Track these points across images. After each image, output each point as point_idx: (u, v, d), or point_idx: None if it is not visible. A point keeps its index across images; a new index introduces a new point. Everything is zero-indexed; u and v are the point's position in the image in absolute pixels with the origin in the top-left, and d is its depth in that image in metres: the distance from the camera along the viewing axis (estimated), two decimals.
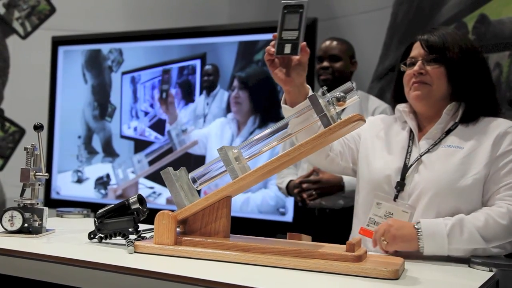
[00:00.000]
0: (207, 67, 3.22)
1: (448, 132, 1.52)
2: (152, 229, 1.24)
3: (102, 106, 3.60)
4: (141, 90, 3.45)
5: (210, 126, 3.21)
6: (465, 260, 1.30)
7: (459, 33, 1.57)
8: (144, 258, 1.14)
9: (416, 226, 1.37)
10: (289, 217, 2.98)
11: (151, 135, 3.41)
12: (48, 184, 3.68)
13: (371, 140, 1.64)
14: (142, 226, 1.32)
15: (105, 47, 3.59)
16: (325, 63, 2.62)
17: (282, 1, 1.34)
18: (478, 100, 1.52)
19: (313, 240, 1.30)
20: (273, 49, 1.36)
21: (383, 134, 1.63)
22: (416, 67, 1.52)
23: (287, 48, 1.31)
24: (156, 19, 3.94)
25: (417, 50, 1.55)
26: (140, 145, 3.45)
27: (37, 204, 1.36)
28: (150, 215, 1.27)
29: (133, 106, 3.49)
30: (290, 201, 2.96)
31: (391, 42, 3.12)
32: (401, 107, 1.61)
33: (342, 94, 1.18)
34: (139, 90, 3.46)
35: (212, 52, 3.22)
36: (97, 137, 3.60)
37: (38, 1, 4.10)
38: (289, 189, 2.61)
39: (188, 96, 3.29)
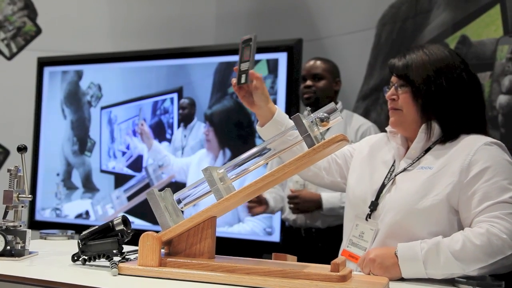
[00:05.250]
0: (184, 100, 3.26)
1: (427, 151, 1.54)
2: (137, 250, 1.23)
3: (82, 141, 3.60)
4: (118, 130, 3.48)
5: (192, 156, 3.24)
6: (450, 280, 1.31)
7: (430, 51, 1.55)
8: (128, 280, 1.13)
9: (396, 253, 1.35)
10: (276, 237, 2.98)
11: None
12: (32, 205, 3.64)
13: (360, 162, 1.67)
14: (126, 248, 1.31)
15: (83, 83, 3.62)
16: (308, 82, 2.66)
17: (241, 37, 1.53)
18: (452, 118, 1.51)
19: (300, 260, 1.30)
20: (235, 81, 1.53)
21: (373, 155, 1.66)
22: (388, 93, 1.57)
23: (243, 78, 1.50)
24: (142, 40, 3.96)
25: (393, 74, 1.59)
26: (121, 179, 3.45)
27: (20, 226, 1.34)
28: (135, 237, 1.26)
29: (110, 147, 3.50)
30: (277, 221, 2.96)
31: (375, 62, 3.16)
32: (389, 128, 1.64)
33: (325, 114, 1.19)
34: (115, 131, 3.48)
35: (188, 85, 3.26)
36: (76, 172, 3.59)
37: (24, 22, 4.10)
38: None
39: (165, 130, 3.32)
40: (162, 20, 4.11)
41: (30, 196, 1.37)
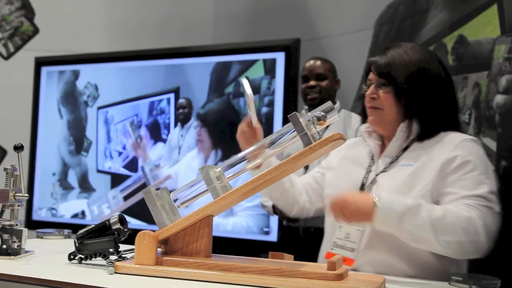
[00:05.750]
0: (181, 100, 3.26)
1: (405, 149, 1.55)
2: (133, 249, 1.23)
3: (78, 141, 3.59)
4: (114, 130, 3.47)
5: (180, 162, 3.24)
6: (446, 278, 1.31)
7: (409, 50, 1.57)
8: (125, 278, 1.13)
9: (375, 200, 1.35)
10: (273, 237, 2.97)
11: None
12: (29, 205, 3.64)
13: (338, 165, 1.69)
14: (123, 247, 1.31)
15: (80, 83, 3.61)
16: (312, 82, 2.65)
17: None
18: (431, 117, 1.54)
19: (298, 260, 1.30)
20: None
21: (349, 157, 1.67)
22: (368, 91, 1.57)
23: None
24: (140, 40, 3.95)
25: (371, 72, 1.59)
26: (117, 179, 3.44)
27: (16, 225, 1.34)
28: (131, 236, 1.26)
29: (106, 147, 3.49)
30: (274, 221, 2.96)
31: None
32: (363, 127, 1.65)
33: (322, 113, 1.19)
34: (112, 131, 3.48)
35: (185, 85, 3.26)
36: (73, 172, 3.59)
37: (21, 22, 4.10)
38: (274, 207, 2.61)
39: (162, 130, 3.32)
40: (160, 20, 4.11)
41: (26, 195, 1.37)
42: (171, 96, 3.31)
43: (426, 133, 1.54)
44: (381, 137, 1.62)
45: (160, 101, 3.34)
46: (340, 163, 1.68)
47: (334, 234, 1.56)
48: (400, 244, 1.42)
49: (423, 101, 1.53)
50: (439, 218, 1.35)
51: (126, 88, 3.46)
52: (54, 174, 3.65)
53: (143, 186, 3.35)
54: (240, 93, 3.08)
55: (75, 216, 3.54)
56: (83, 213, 3.53)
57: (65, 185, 3.61)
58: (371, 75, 1.58)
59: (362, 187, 1.55)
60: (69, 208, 3.58)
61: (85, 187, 3.54)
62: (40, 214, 3.63)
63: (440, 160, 1.46)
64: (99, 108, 3.55)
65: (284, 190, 1.73)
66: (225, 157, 3.08)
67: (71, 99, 3.64)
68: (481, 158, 1.48)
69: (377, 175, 1.55)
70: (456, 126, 1.58)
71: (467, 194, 1.41)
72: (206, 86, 3.21)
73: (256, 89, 3.00)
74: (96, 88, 3.55)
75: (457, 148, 1.47)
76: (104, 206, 3.47)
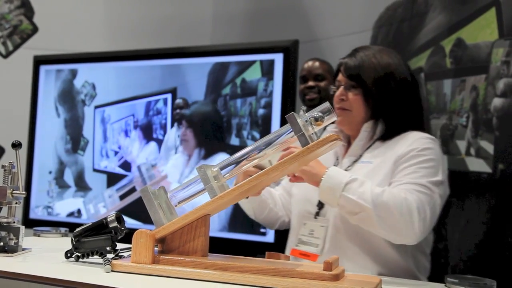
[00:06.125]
0: (178, 100, 3.26)
1: (368, 148, 1.60)
2: (130, 248, 1.23)
3: (75, 139, 3.59)
4: (110, 130, 3.47)
5: (167, 164, 3.26)
6: (442, 280, 1.31)
7: (378, 54, 1.62)
8: (121, 276, 1.13)
9: (326, 170, 1.44)
10: (270, 238, 2.97)
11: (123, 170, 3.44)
12: (27, 204, 3.63)
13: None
14: (120, 245, 1.31)
15: (78, 81, 3.60)
16: (311, 83, 2.67)
17: None
18: (397, 119, 1.60)
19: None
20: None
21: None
22: (337, 93, 1.61)
23: None
24: (139, 39, 3.96)
25: (341, 73, 1.62)
26: (113, 178, 3.44)
27: (14, 222, 1.34)
28: (127, 235, 1.26)
29: (103, 146, 3.49)
30: None
31: None
32: (330, 128, 1.68)
33: (320, 114, 1.19)
34: (108, 130, 3.48)
35: (183, 86, 3.27)
36: (69, 171, 3.59)
37: (20, 20, 4.10)
38: None
39: (159, 130, 3.32)
40: (158, 20, 4.11)
41: (24, 192, 1.37)
42: (168, 96, 3.32)
43: (390, 133, 1.59)
44: (348, 137, 1.66)
45: (157, 101, 3.35)
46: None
47: (299, 231, 1.59)
48: (363, 239, 1.49)
49: (390, 103, 1.58)
50: (379, 193, 1.41)
51: (124, 88, 3.46)
52: (50, 173, 3.64)
53: (136, 186, 3.36)
54: (237, 94, 3.09)
55: (71, 214, 3.54)
56: (79, 211, 3.52)
57: (61, 184, 3.61)
58: (340, 76, 1.62)
59: None
60: (65, 206, 3.57)
61: (81, 186, 3.54)
62: (36, 212, 3.63)
63: (396, 155, 1.53)
64: (96, 107, 3.55)
65: (269, 209, 1.78)
66: (207, 155, 3.10)
67: (69, 98, 3.64)
68: (434, 154, 1.53)
69: None
70: (420, 126, 1.64)
71: (410, 181, 1.47)
72: (204, 87, 3.21)
73: (253, 90, 3.01)
74: (94, 87, 3.55)
75: (414, 143, 1.53)
76: (100, 205, 3.47)
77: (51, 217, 3.58)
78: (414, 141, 1.54)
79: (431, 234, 1.68)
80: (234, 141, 3.06)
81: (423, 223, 1.43)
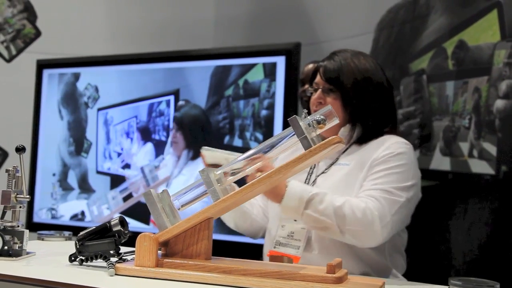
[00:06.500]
0: (180, 102, 3.27)
1: (344, 152, 1.62)
2: (134, 251, 1.23)
3: (78, 142, 3.60)
4: (113, 132, 3.48)
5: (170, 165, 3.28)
6: (445, 282, 1.31)
7: (355, 58, 1.64)
8: (125, 280, 1.13)
9: (286, 185, 1.45)
10: None
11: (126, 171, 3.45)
12: (30, 207, 3.64)
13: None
14: (123, 249, 1.32)
15: (81, 84, 3.61)
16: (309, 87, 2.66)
17: None
18: (373, 123, 1.62)
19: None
20: None
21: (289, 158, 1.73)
22: (315, 96, 1.62)
23: None
24: (141, 43, 3.96)
25: (319, 76, 1.63)
26: (116, 180, 3.45)
27: (18, 226, 1.35)
28: (131, 238, 1.27)
29: (106, 148, 3.50)
30: None
31: None
32: None
33: (322, 117, 1.20)
34: (111, 132, 3.49)
35: (185, 88, 3.28)
36: (73, 173, 3.59)
37: (23, 24, 4.11)
38: None
39: (161, 131, 3.33)
40: (161, 24, 4.12)
41: (28, 196, 1.37)
42: (171, 98, 3.32)
43: (367, 137, 1.62)
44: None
45: (159, 103, 3.35)
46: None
47: (277, 233, 1.59)
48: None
49: (368, 108, 1.60)
50: (340, 206, 1.43)
51: (126, 90, 3.47)
52: (54, 175, 3.65)
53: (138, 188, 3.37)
54: (239, 95, 3.09)
55: (74, 216, 3.54)
56: (82, 213, 3.53)
57: (65, 186, 3.61)
58: (318, 79, 1.63)
59: None
60: (68, 208, 3.58)
61: (85, 188, 3.54)
62: (40, 214, 3.64)
63: (371, 159, 1.55)
64: (99, 109, 3.56)
65: (252, 220, 1.77)
66: (195, 156, 3.13)
67: (72, 100, 3.65)
68: (407, 159, 1.56)
69: (317, 176, 1.61)
70: (395, 131, 1.68)
71: (376, 188, 1.50)
72: (206, 88, 3.22)
73: (256, 91, 3.02)
74: (97, 89, 3.56)
75: (389, 148, 1.56)
76: (104, 207, 3.48)
77: (55, 221, 3.58)
78: (389, 145, 1.57)
79: (405, 234, 1.71)
80: (237, 142, 3.06)
81: (386, 229, 1.47)
